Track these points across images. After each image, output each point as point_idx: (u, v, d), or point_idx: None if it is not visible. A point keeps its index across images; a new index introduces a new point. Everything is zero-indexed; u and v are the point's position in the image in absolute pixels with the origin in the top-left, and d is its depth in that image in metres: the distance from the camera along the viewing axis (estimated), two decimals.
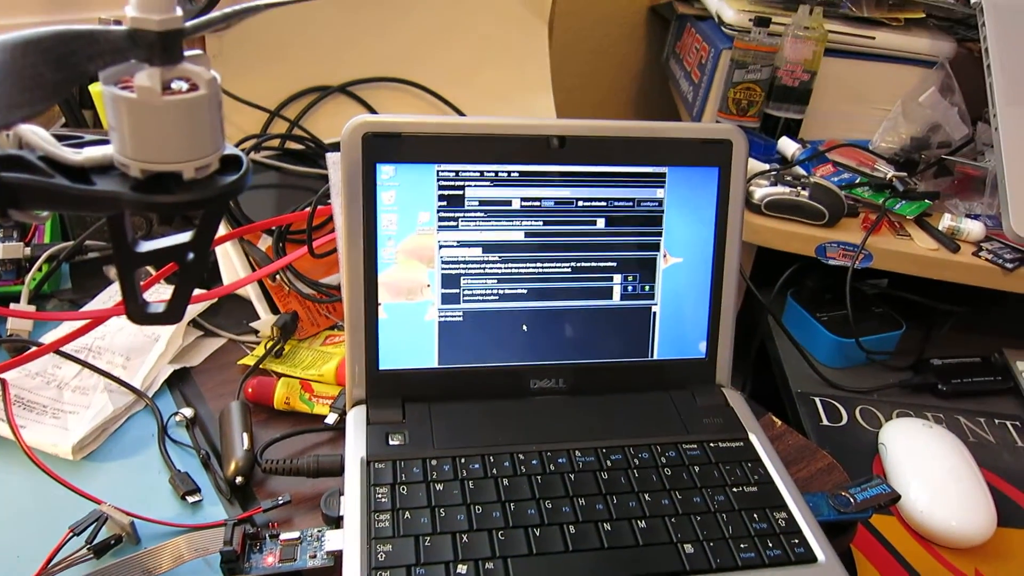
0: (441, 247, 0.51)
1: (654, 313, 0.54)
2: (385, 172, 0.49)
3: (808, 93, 0.97)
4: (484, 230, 0.51)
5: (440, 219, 0.50)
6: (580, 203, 0.52)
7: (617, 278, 0.53)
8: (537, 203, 0.51)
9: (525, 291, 0.52)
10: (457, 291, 0.52)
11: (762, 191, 0.83)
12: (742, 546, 0.42)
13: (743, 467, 0.48)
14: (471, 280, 0.52)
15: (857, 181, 0.90)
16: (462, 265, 0.51)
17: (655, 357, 0.54)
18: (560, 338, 0.53)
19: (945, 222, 0.83)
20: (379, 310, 0.50)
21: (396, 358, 0.51)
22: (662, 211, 0.53)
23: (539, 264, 0.52)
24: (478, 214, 0.51)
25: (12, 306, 0.60)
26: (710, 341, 0.55)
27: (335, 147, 0.51)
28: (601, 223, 0.52)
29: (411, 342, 0.51)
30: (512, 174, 0.51)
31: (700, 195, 0.53)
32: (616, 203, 0.52)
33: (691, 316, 0.54)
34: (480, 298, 0.52)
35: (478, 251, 0.51)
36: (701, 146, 0.52)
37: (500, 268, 0.52)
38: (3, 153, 0.27)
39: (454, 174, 0.50)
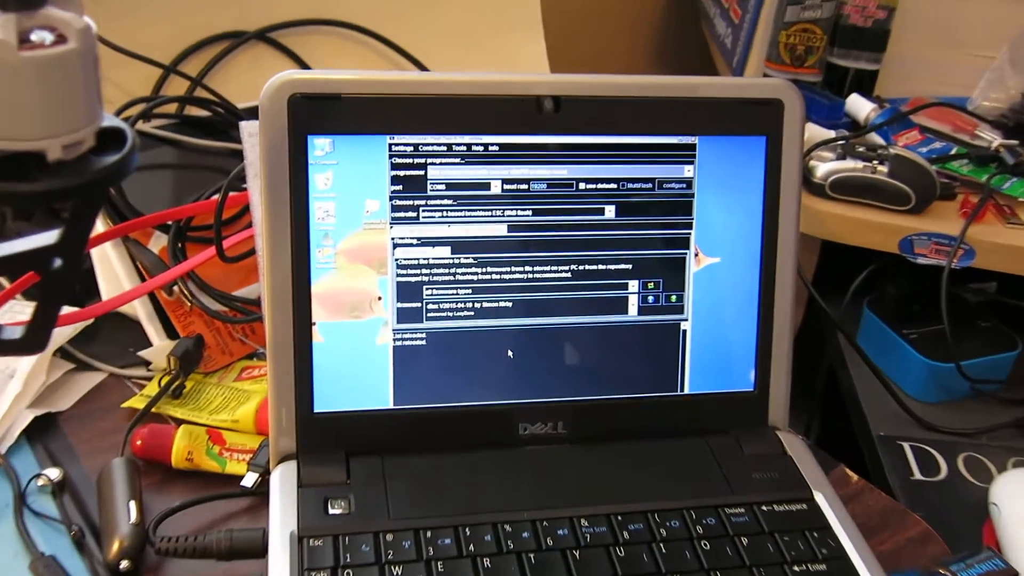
0: (396, 246, 0.51)
1: (684, 332, 0.54)
2: (320, 147, 0.49)
3: (885, 35, 0.96)
4: (453, 223, 0.51)
5: (394, 209, 0.51)
6: (582, 186, 0.53)
7: (633, 285, 0.54)
8: (524, 187, 0.52)
9: (509, 304, 0.53)
10: (418, 306, 0.52)
11: (826, 167, 0.83)
12: None
13: (807, 538, 0.48)
14: (437, 290, 0.52)
15: (952, 152, 0.90)
16: (424, 270, 0.52)
17: (686, 391, 0.55)
18: (558, 367, 0.53)
19: None
20: (313, 332, 0.50)
21: (337, 397, 0.51)
22: (692, 195, 0.54)
23: (528, 268, 0.53)
24: (445, 202, 0.51)
25: None
26: (760, 368, 0.55)
27: (252, 113, 0.51)
28: (610, 212, 0.53)
29: (357, 375, 0.51)
30: (490, 148, 0.51)
31: (742, 173, 0.54)
32: (631, 185, 0.53)
33: (734, 335, 0.55)
34: (449, 314, 0.52)
35: (445, 251, 0.52)
36: (743, 108, 0.53)
37: (476, 274, 0.52)
38: None
39: (412, 148, 0.50)
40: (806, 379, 0.88)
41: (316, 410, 0.51)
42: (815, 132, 0.87)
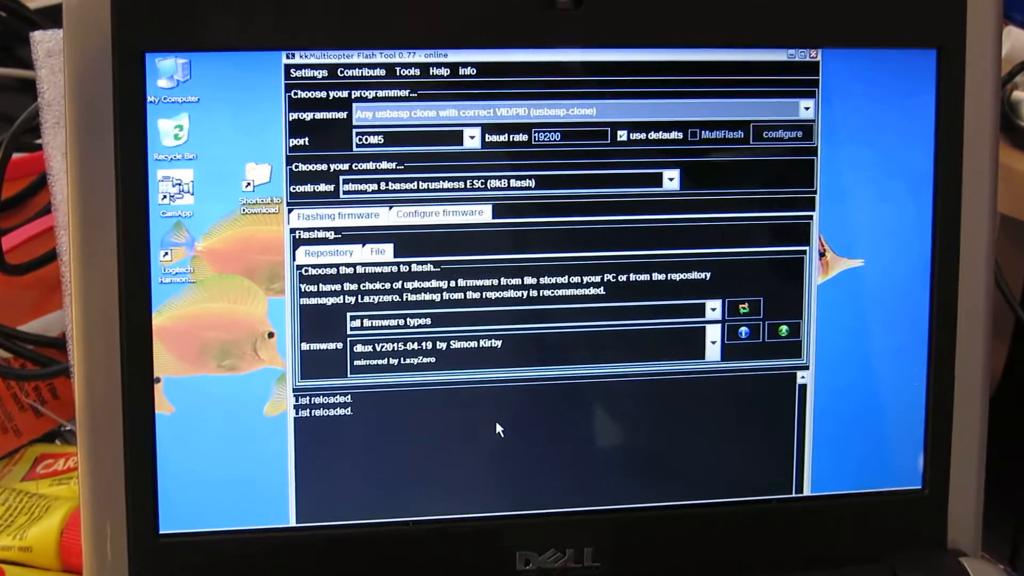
0: (298, 244, 0.48)
1: (802, 388, 0.51)
2: (167, 72, 0.47)
3: None
4: (399, 203, 0.49)
5: (295, 179, 0.48)
6: (622, 136, 0.49)
7: (713, 308, 0.51)
8: (521, 138, 0.49)
9: (497, 344, 0.50)
10: (338, 348, 0.49)
11: None
12: None
13: None
14: (371, 321, 0.49)
15: None
16: (349, 286, 0.49)
17: (806, 491, 0.52)
18: (581, 454, 0.51)
19: None
20: (156, 396, 0.48)
21: (199, 509, 0.49)
22: (813, 151, 0.50)
23: (529, 281, 0.50)
24: (384, 166, 0.48)
25: None
26: (933, 453, 0.52)
27: (53, 18, 0.51)
28: (672, 180, 0.50)
29: (233, 471, 0.49)
30: (463, 72, 0.48)
31: (898, 114, 0.51)
32: (707, 134, 0.50)
33: (887, 394, 0.52)
34: (392, 363, 0.49)
35: (385, 252, 0.49)
36: (901, 2, 0.50)
37: (439, 292, 0.49)
38: None
39: (326, 73, 0.47)
40: (1013, 468, 0.80)
41: (163, 531, 0.48)
42: (1022, 43, 0.83)
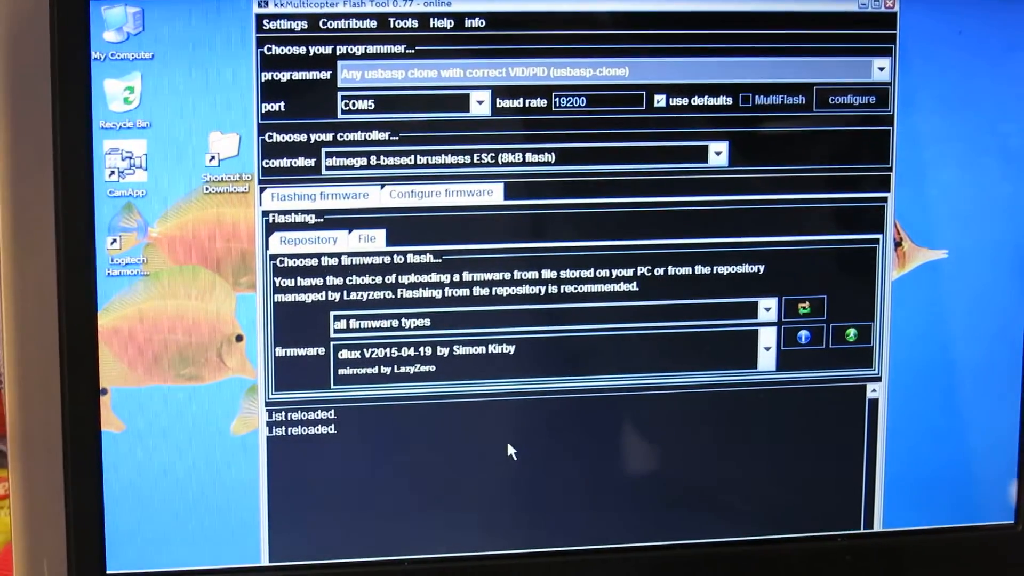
0: (272, 230, 0.47)
1: (873, 403, 0.50)
2: (115, 23, 0.45)
3: None
4: (392, 181, 0.47)
5: (268, 151, 0.46)
6: (660, 100, 0.48)
7: (768, 307, 0.49)
8: (540, 103, 0.47)
9: (509, 350, 0.48)
10: (319, 354, 0.47)
11: None
12: None
13: None
14: (358, 323, 0.47)
15: None
16: (332, 281, 0.47)
17: (877, 526, 0.50)
18: (611, 479, 0.49)
19: None
20: (103, 409, 0.46)
21: (153, 544, 0.47)
22: (888, 119, 0.49)
23: (549, 275, 0.48)
24: (374, 136, 0.47)
25: None
26: None
27: None
28: (719, 155, 0.48)
29: (194, 500, 0.47)
30: (469, 24, 0.46)
31: (991, 76, 0.49)
32: (761, 100, 0.48)
33: (975, 413, 0.51)
34: (383, 372, 0.48)
35: (376, 240, 0.47)
36: None
37: (440, 288, 0.48)
38: None
39: (305, 25, 0.46)
40: None
41: (110, 571, 0.46)
42: None
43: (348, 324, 0.46)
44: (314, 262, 0.46)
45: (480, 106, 0.46)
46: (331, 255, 0.46)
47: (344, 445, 0.47)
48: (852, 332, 0.49)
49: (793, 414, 0.49)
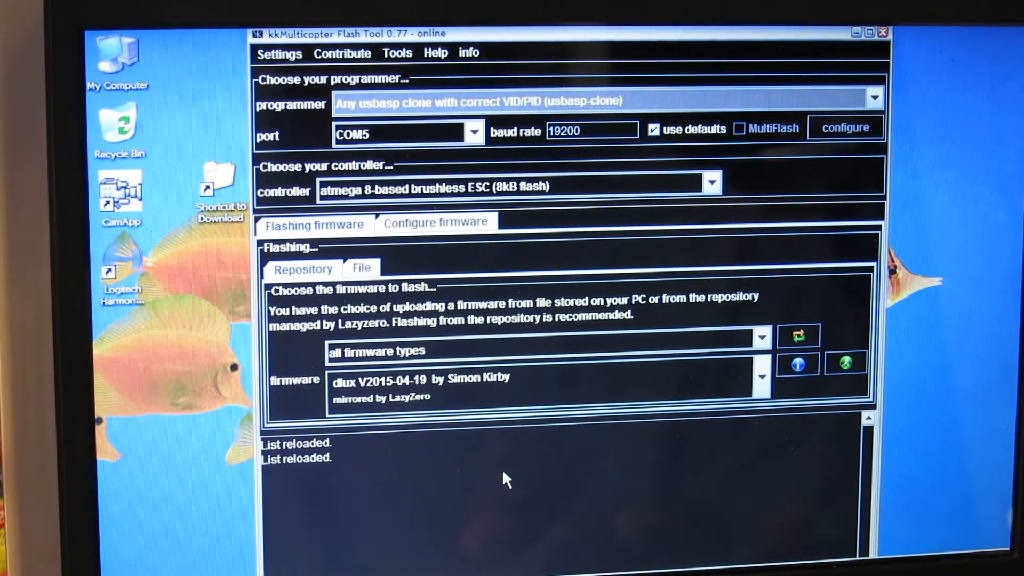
0: (267, 259, 0.47)
1: (868, 431, 0.50)
2: (110, 53, 0.45)
3: None
4: (386, 211, 0.47)
5: (263, 181, 0.46)
6: (654, 130, 0.48)
7: (763, 335, 0.49)
8: (534, 132, 0.47)
9: (504, 378, 0.48)
10: (314, 383, 0.47)
11: None
12: None
13: None
14: (353, 351, 0.47)
15: None
16: (327, 310, 0.47)
17: (873, 554, 0.51)
18: (604, 509, 0.49)
19: None
20: (98, 438, 0.46)
21: (149, 574, 0.47)
22: (883, 147, 0.49)
23: (543, 303, 0.48)
24: (369, 166, 0.47)
25: None
26: None
27: None
28: (713, 183, 0.48)
29: (190, 528, 0.47)
30: (463, 54, 0.46)
31: (985, 104, 0.49)
32: (755, 128, 0.48)
33: (969, 439, 0.51)
34: (378, 401, 0.48)
35: (370, 269, 0.47)
36: None
37: (435, 317, 0.48)
38: None
39: (300, 55, 0.46)
40: None
41: None
42: None
43: (343, 353, 0.46)
44: (309, 291, 0.46)
45: (474, 135, 0.46)
46: (326, 284, 0.46)
47: (339, 474, 0.47)
48: (847, 360, 0.49)
49: (788, 442, 0.49)
